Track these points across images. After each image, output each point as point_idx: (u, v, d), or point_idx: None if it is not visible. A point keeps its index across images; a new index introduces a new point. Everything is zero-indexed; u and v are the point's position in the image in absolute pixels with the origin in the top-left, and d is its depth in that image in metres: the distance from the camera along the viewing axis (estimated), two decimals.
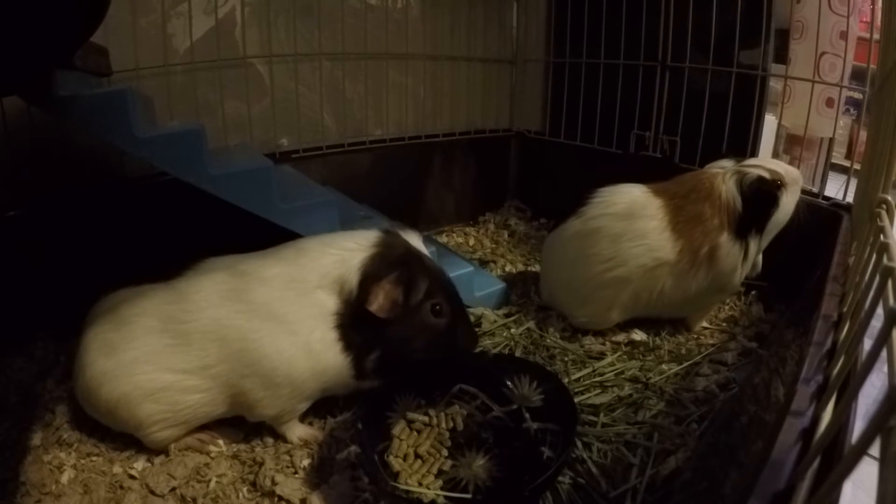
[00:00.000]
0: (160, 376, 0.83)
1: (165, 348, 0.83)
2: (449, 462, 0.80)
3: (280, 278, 0.86)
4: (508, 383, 0.91)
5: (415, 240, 0.94)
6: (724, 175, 1.10)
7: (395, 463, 0.80)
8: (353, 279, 0.85)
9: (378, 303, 0.82)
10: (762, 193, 1.07)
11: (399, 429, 0.86)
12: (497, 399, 0.91)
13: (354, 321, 0.85)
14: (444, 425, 0.87)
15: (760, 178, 1.07)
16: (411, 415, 0.88)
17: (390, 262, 0.86)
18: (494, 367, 0.95)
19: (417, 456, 0.82)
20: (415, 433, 0.86)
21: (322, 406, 0.96)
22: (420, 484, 0.77)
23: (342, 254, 0.87)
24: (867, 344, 0.37)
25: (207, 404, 0.86)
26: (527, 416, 0.87)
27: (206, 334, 0.83)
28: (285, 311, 0.84)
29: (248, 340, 0.82)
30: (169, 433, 0.86)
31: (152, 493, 0.81)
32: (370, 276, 0.84)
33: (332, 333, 0.85)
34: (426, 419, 0.88)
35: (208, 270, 0.89)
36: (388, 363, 0.88)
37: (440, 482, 0.78)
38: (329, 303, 0.85)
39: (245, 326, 0.83)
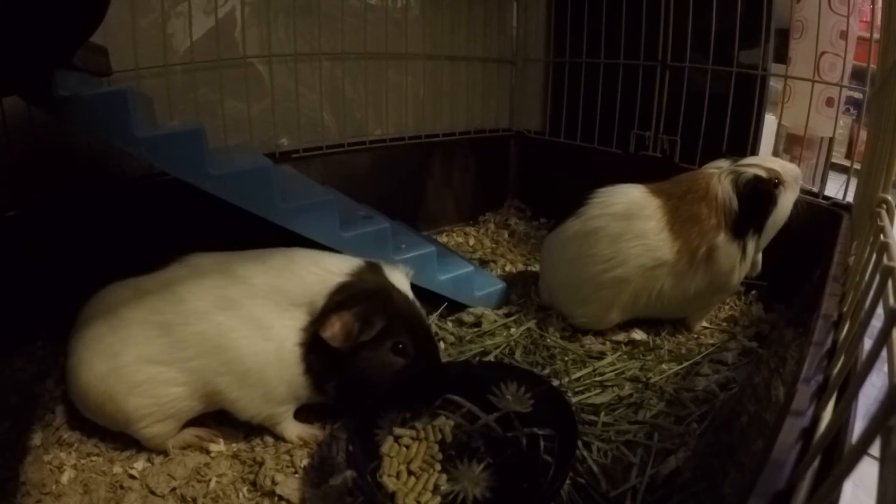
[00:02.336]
0: (142, 368, 0.83)
1: (147, 340, 0.84)
2: (444, 476, 0.78)
3: (264, 285, 0.87)
4: (494, 390, 0.88)
5: (397, 277, 0.94)
6: (720, 175, 1.10)
7: (390, 483, 0.77)
8: (320, 302, 0.86)
9: (332, 331, 0.83)
10: (759, 192, 1.07)
11: (388, 446, 0.83)
12: (485, 408, 0.88)
13: (316, 345, 0.85)
14: (432, 438, 0.85)
15: (756, 177, 1.07)
16: (398, 430, 0.85)
17: (355, 293, 0.86)
18: (481, 374, 0.92)
19: (410, 473, 0.80)
20: (404, 449, 0.83)
21: (322, 405, 0.96)
22: (418, 502, 0.75)
23: (322, 274, 0.88)
24: (867, 344, 0.37)
25: (188, 398, 0.86)
26: (515, 422, 0.85)
27: (187, 326, 0.84)
28: (263, 316, 0.85)
29: (226, 338, 0.83)
30: (160, 428, 0.86)
31: (152, 493, 0.81)
32: (333, 303, 0.85)
33: (298, 350, 0.86)
34: (413, 433, 0.85)
35: (194, 265, 0.91)
36: (349, 393, 0.89)
37: (438, 498, 0.75)
38: (301, 319, 0.86)
39: (225, 324, 0.84)
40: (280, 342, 0.85)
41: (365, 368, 0.87)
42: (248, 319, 0.84)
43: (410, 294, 0.94)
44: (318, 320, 0.85)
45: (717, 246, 1.08)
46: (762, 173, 1.07)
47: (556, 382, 1.01)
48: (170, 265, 0.92)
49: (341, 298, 0.85)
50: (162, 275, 0.90)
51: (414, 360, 0.90)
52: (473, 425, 0.87)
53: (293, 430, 0.91)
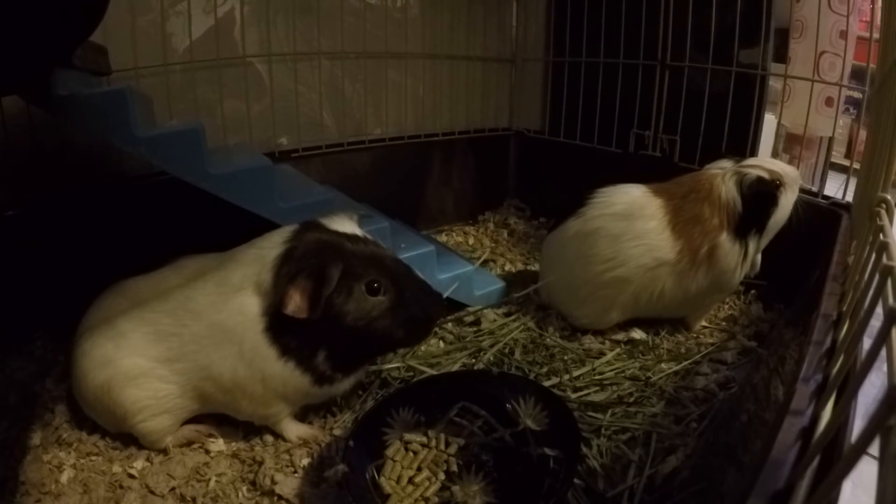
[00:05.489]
0: (138, 361, 0.84)
1: (143, 337, 0.84)
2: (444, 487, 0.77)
3: (213, 282, 0.84)
4: (513, 403, 0.86)
5: (342, 224, 0.86)
6: (723, 175, 1.10)
7: (387, 485, 0.76)
8: (268, 280, 0.79)
9: (294, 304, 0.76)
10: (762, 194, 1.07)
11: (394, 450, 0.82)
12: (500, 420, 0.86)
13: (283, 324, 0.79)
14: (442, 447, 0.83)
15: (760, 179, 1.07)
16: (408, 436, 0.84)
17: (300, 255, 0.79)
18: (499, 385, 0.89)
19: (410, 480, 0.79)
20: (410, 454, 0.82)
21: (322, 405, 0.96)
22: None
23: (259, 252, 0.82)
24: (867, 343, 0.37)
25: (180, 397, 0.86)
26: (530, 439, 0.82)
27: (171, 326, 0.84)
28: (217, 317, 0.81)
29: (197, 343, 0.82)
30: (157, 423, 0.86)
31: (152, 492, 0.81)
32: (282, 275, 0.78)
33: (261, 339, 0.80)
34: (424, 440, 0.84)
35: (180, 266, 0.94)
36: (346, 359, 0.84)
37: None
38: (253, 307, 0.80)
39: (193, 329, 0.82)
40: (238, 343, 0.80)
41: (348, 325, 0.80)
42: (209, 324, 0.81)
43: (365, 235, 0.87)
44: (272, 300, 0.79)
45: (719, 245, 1.08)
46: (765, 174, 1.08)
47: (555, 380, 1.01)
48: (165, 266, 0.95)
49: (289, 268, 0.78)
50: (157, 275, 0.93)
51: (399, 297, 0.83)
52: (487, 437, 0.85)
53: (293, 429, 0.91)
